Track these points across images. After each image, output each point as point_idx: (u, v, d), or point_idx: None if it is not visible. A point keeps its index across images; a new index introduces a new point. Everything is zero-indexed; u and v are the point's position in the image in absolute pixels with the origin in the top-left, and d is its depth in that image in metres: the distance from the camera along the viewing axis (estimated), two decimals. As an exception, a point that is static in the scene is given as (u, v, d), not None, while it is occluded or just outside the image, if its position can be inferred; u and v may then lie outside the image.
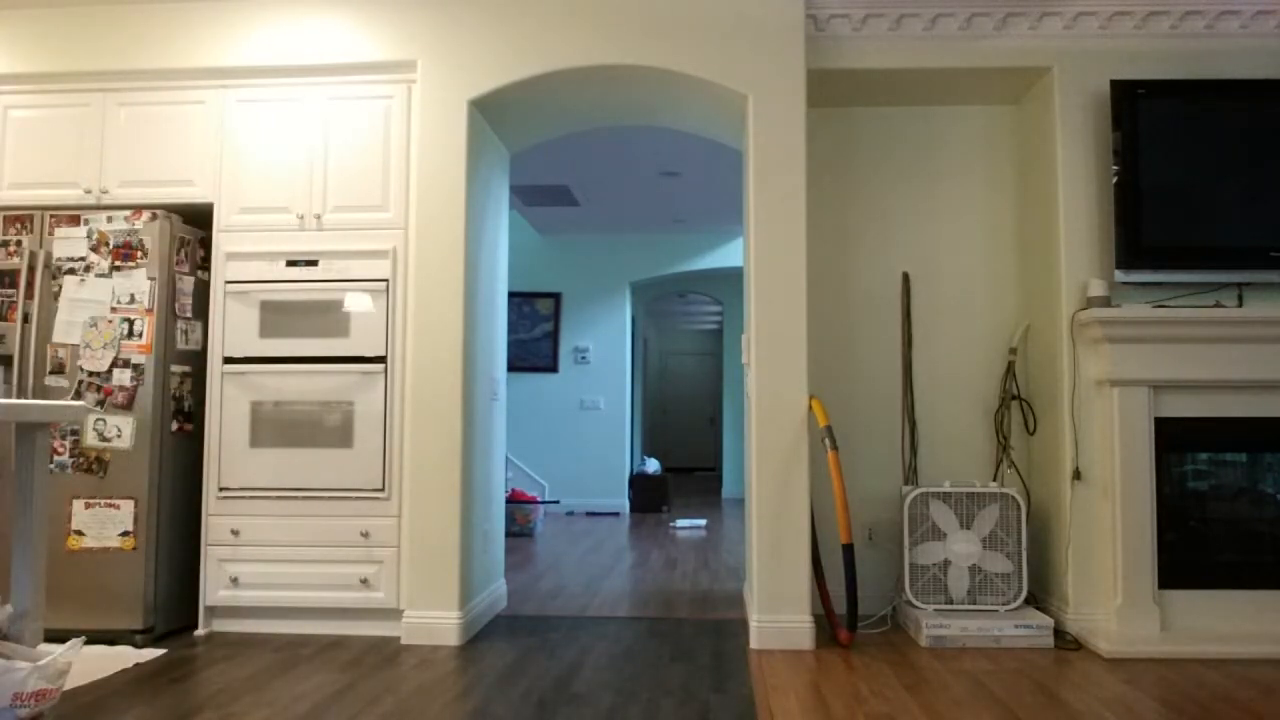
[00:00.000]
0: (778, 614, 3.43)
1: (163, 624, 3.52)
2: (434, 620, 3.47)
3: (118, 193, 3.77)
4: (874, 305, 4.12)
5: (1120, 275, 3.56)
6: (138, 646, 3.37)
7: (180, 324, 3.66)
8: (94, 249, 3.58)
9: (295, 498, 3.60)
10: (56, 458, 3.48)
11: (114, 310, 3.54)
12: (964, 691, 2.88)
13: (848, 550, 3.33)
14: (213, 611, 3.64)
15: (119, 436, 3.48)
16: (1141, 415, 3.49)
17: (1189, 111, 3.59)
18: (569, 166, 6.30)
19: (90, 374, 3.52)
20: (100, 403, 3.50)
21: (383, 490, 3.56)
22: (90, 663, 3.04)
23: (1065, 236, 3.66)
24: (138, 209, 3.61)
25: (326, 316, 3.66)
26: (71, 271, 3.58)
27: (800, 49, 3.62)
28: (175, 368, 3.64)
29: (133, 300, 3.54)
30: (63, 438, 3.49)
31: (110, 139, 3.80)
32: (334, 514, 3.58)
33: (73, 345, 3.55)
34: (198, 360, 3.74)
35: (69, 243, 3.59)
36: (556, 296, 8.64)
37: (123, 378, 3.51)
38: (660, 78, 3.71)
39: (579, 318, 8.63)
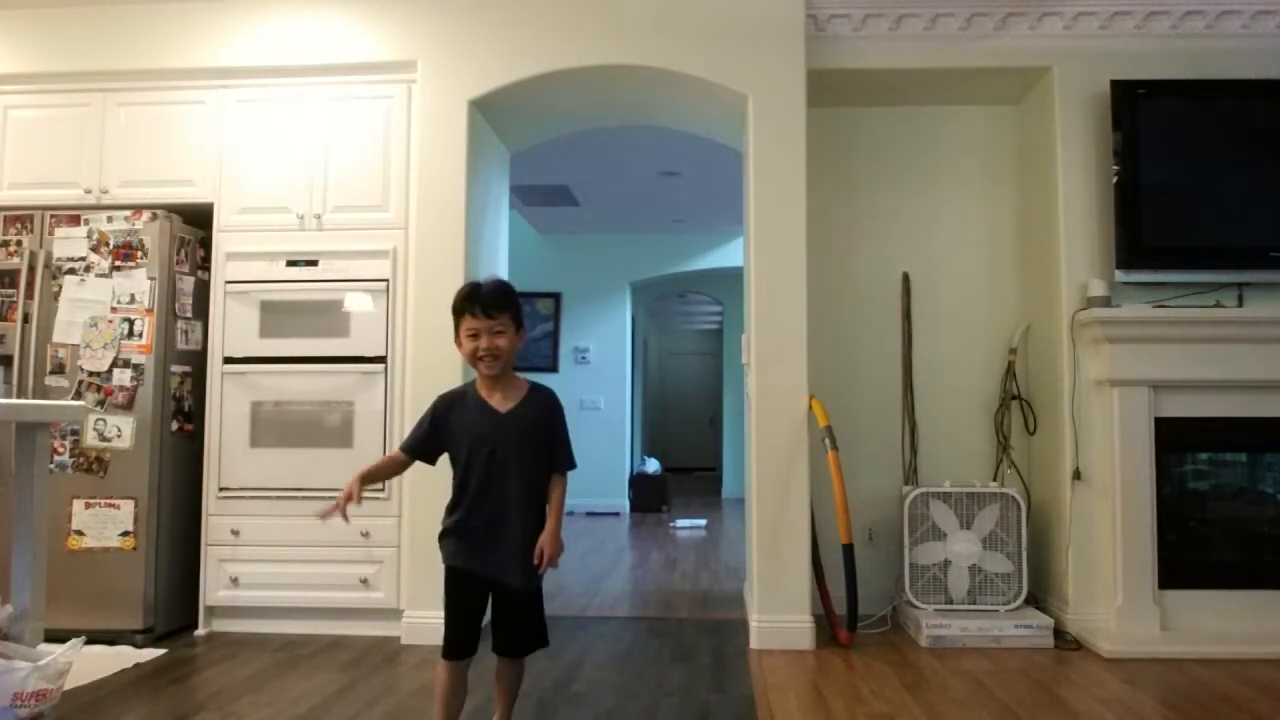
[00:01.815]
0: (778, 614, 3.43)
1: (163, 624, 3.52)
2: (434, 620, 3.45)
3: (118, 193, 3.77)
4: (874, 305, 4.11)
5: (1120, 275, 3.56)
6: (138, 646, 3.37)
7: (180, 324, 3.66)
8: (94, 249, 3.58)
9: (295, 498, 3.60)
10: (56, 458, 3.48)
11: (114, 310, 3.54)
12: (964, 691, 2.88)
13: (848, 550, 3.33)
14: (213, 611, 3.64)
15: (119, 436, 3.48)
16: (1141, 415, 3.49)
17: (1189, 111, 3.59)
18: (569, 166, 6.30)
19: (90, 374, 3.52)
20: (100, 403, 3.50)
21: (382, 490, 3.56)
22: (90, 663, 3.04)
23: (1065, 236, 3.66)
24: (138, 209, 3.61)
25: (326, 316, 3.66)
26: (72, 271, 3.58)
27: (800, 49, 3.62)
28: (175, 368, 3.64)
29: (133, 300, 3.54)
30: (63, 438, 3.49)
31: (110, 139, 3.80)
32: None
33: (73, 345, 3.55)
34: (198, 360, 3.73)
35: (69, 243, 3.59)
36: (556, 296, 8.63)
37: (123, 378, 3.51)
38: (660, 78, 3.71)
39: (579, 318, 8.63)
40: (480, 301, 2.16)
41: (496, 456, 2.17)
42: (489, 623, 2.25)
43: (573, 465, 2.27)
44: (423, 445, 2.24)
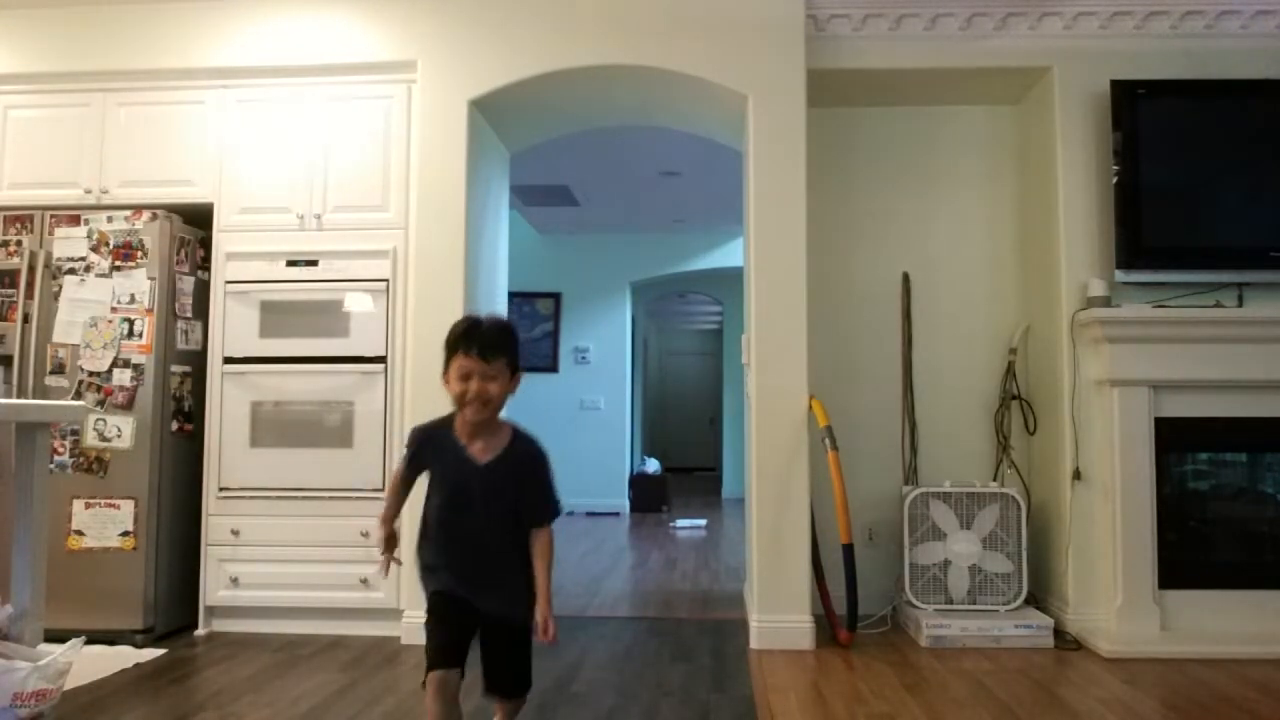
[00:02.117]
0: (778, 614, 3.43)
1: (163, 624, 3.52)
2: (434, 620, 3.47)
3: (118, 193, 3.76)
4: (874, 305, 4.11)
5: (1120, 275, 3.56)
6: (138, 646, 3.37)
7: (180, 324, 3.66)
8: (94, 249, 3.58)
9: (295, 498, 3.60)
10: (56, 458, 3.48)
11: (114, 310, 3.54)
12: (964, 691, 2.88)
13: (848, 550, 3.33)
14: (213, 611, 3.64)
15: (119, 436, 3.48)
16: (1141, 415, 3.49)
17: (1189, 111, 3.59)
18: (569, 166, 6.30)
19: (90, 374, 3.52)
20: (100, 403, 3.50)
21: (383, 490, 3.56)
22: (90, 663, 3.04)
23: (1065, 236, 3.66)
24: (138, 209, 3.61)
25: (326, 316, 3.66)
26: (71, 271, 3.58)
27: (800, 49, 3.62)
28: (175, 368, 3.64)
29: (133, 300, 3.54)
30: (63, 438, 3.49)
31: (110, 139, 3.79)
32: (334, 514, 3.58)
33: (73, 345, 3.54)
34: (198, 360, 3.73)
35: (69, 243, 3.59)
36: (556, 296, 8.63)
37: (123, 378, 3.51)
38: (660, 78, 3.71)
39: (579, 318, 8.63)
40: (478, 340, 1.97)
41: (473, 510, 2.03)
42: (481, 666, 2.12)
43: (557, 514, 2.10)
44: (410, 476, 2.18)
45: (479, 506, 2.03)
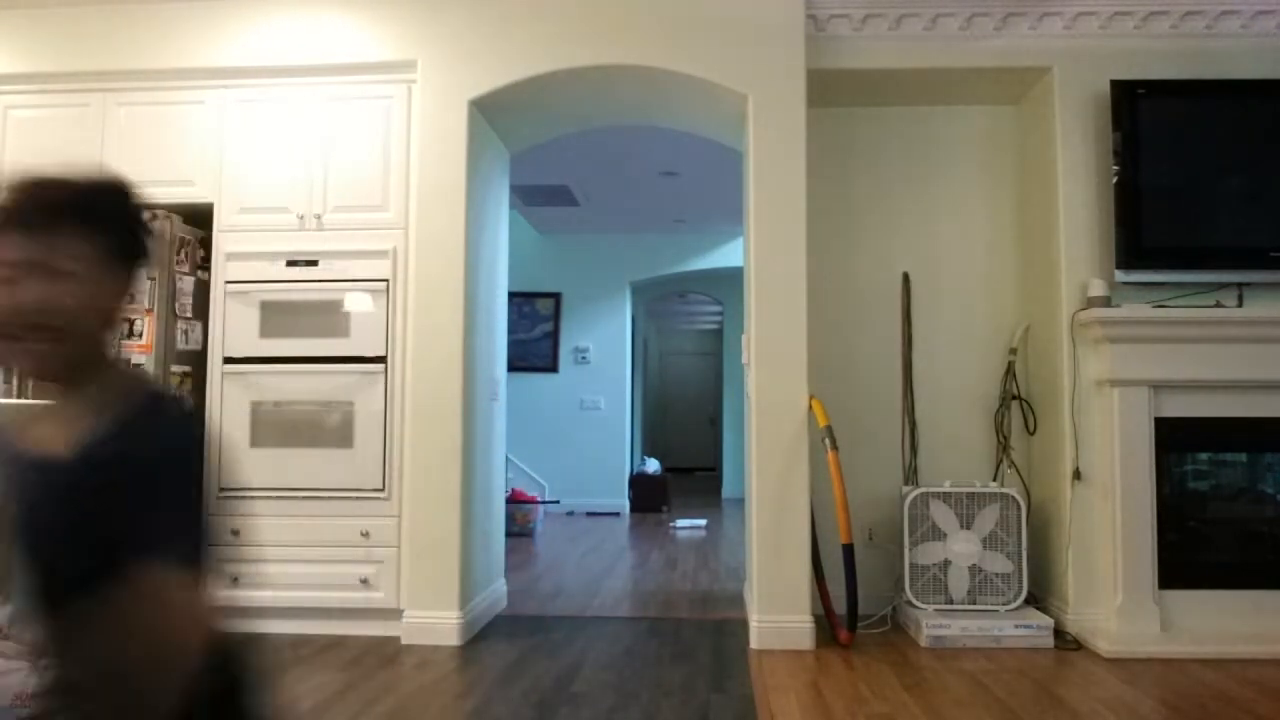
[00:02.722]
0: (778, 614, 3.43)
1: (163, 624, 3.52)
2: (434, 620, 3.47)
3: (118, 193, 3.76)
4: (874, 305, 4.11)
5: (1120, 275, 3.56)
6: (138, 646, 3.37)
7: (180, 324, 3.66)
8: (94, 249, 3.57)
9: (295, 498, 3.60)
10: (56, 458, 3.47)
11: (114, 310, 3.54)
12: (964, 691, 2.88)
13: (848, 550, 3.33)
14: (213, 611, 3.63)
15: (119, 436, 3.48)
16: (1141, 415, 3.49)
17: (1189, 111, 3.59)
18: (569, 166, 6.30)
19: (90, 374, 3.52)
20: (100, 403, 3.49)
21: (383, 490, 3.56)
22: (90, 663, 3.04)
23: (1065, 236, 3.66)
24: (138, 209, 3.60)
25: (326, 316, 3.66)
26: (71, 271, 3.57)
27: (800, 49, 3.62)
28: (175, 368, 3.63)
29: (132, 300, 3.54)
30: (63, 438, 3.49)
31: (110, 139, 3.80)
32: (334, 514, 3.58)
33: (73, 345, 3.54)
34: (198, 360, 3.73)
35: (69, 243, 3.59)
36: (556, 296, 8.63)
37: (123, 378, 3.50)
38: (660, 78, 3.71)
39: (579, 318, 8.63)
40: (15, 203, 1.01)
41: (22, 574, 0.98)
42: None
43: (157, 548, 0.95)
44: None
45: (39, 559, 0.98)
